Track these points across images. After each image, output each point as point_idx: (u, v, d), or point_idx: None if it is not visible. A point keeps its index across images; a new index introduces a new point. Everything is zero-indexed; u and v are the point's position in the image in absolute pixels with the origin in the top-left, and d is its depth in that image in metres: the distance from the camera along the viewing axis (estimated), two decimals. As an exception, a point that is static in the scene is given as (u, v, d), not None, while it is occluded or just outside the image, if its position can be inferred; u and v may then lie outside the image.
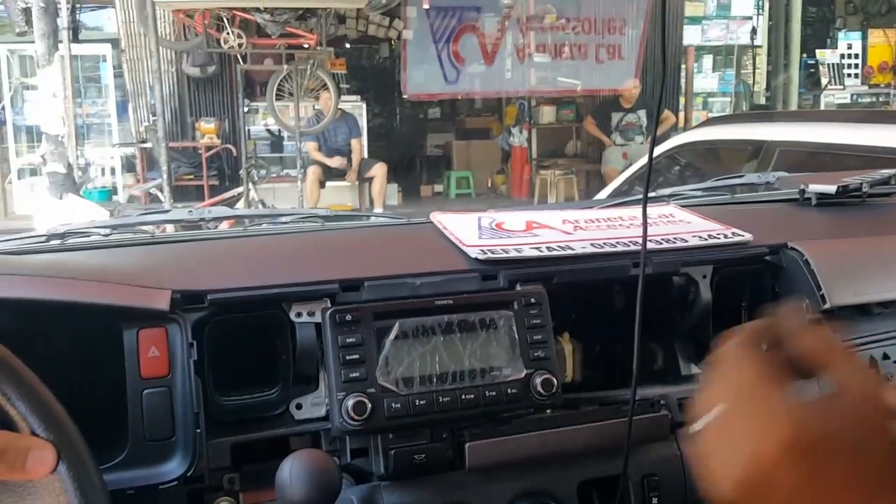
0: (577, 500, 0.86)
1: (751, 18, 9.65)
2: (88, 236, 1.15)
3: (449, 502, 0.83)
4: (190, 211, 1.17)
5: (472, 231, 1.01)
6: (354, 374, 0.76)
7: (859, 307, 1.03)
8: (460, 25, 7.41)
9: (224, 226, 1.27)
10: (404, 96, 7.82)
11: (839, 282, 0.99)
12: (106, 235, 1.15)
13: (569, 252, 0.94)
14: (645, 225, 0.80)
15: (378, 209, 6.74)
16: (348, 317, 0.74)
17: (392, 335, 0.77)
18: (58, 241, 1.12)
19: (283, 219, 1.24)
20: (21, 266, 0.83)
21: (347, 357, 0.76)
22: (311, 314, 0.82)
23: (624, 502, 0.87)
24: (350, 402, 0.74)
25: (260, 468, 0.83)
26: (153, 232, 1.21)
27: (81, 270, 0.83)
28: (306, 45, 6.80)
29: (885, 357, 1.02)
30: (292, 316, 0.85)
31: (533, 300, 0.88)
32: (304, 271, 0.90)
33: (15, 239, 1.17)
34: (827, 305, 0.97)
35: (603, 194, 4.25)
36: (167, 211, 1.20)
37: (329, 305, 0.81)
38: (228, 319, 0.86)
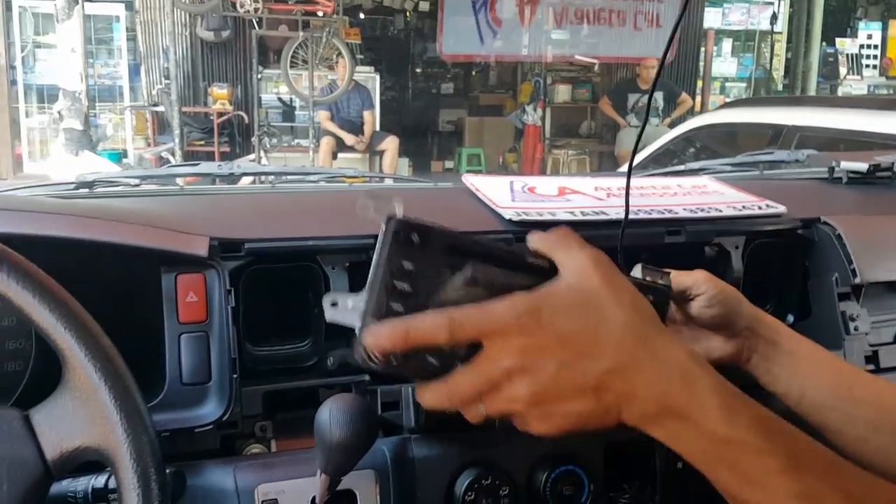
0: (603, 462, 0.87)
1: (772, 4, 9.52)
2: (117, 185, 1.15)
3: (475, 459, 0.84)
4: (220, 165, 1.17)
5: (504, 194, 1.01)
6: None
7: (889, 284, 1.02)
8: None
9: (252, 182, 1.27)
10: (440, 57, 7.74)
11: (871, 258, 0.99)
12: (135, 185, 1.15)
13: (602, 217, 0.94)
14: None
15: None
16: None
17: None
18: (86, 189, 1.12)
19: (311, 177, 1.24)
20: (59, 207, 0.83)
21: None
22: None
23: (651, 465, 0.87)
24: None
25: (290, 417, 0.84)
26: (181, 185, 1.21)
27: (118, 214, 0.83)
28: (322, 13, 6.75)
29: (913, 335, 1.02)
30: (327, 269, 0.86)
31: None
32: (338, 226, 0.90)
33: (44, 185, 1.17)
34: (858, 280, 0.97)
35: (617, 174, 4.22)
36: (196, 164, 1.20)
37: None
38: (263, 270, 0.86)
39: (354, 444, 0.64)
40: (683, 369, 0.50)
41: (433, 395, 0.54)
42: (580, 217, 0.94)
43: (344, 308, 0.56)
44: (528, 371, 0.50)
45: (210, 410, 0.77)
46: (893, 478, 0.67)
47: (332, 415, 0.63)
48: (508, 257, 0.55)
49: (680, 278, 0.75)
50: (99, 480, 0.67)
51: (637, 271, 0.65)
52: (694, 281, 0.75)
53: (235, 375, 0.78)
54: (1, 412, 0.58)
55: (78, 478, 0.68)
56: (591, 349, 0.50)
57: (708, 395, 0.49)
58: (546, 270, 0.55)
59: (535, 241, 0.57)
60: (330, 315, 0.57)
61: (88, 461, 0.59)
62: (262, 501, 0.71)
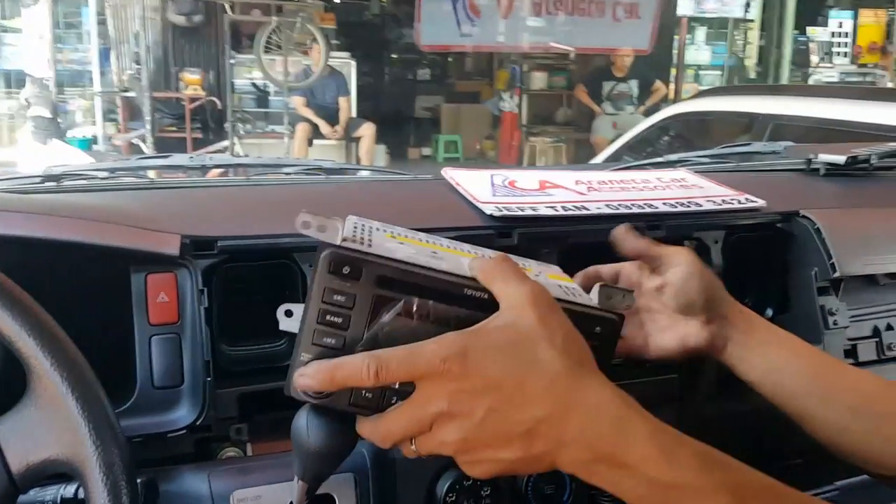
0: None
1: (746, -9, 9.55)
2: (86, 179, 1.11)
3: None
4: (191, 157, 1.14)
5: (485, 188, 0.99)
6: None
7: (867, 277, 1.03)
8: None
9: (225, 174, 1.24)
10: (418, 47, 7.65)
11: (850, 251, 0.99)
12: (104, 179, 1.11)
13: (584, 212, 0.93)
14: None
15: (365, 169, 6.67)
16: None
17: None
18: (53, 183, 1.08)
19: (287, 169, 1.22)
20: (23, 204, 0.80)
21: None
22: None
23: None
24: None
25: (266, 419, 0.82)
26: (152, 177, 1.18)
27: (86, 211, 0.80)
28: (297, -2, 6.66)
29: (889, 328, 1.03)
30: (303, 266, 0.84)
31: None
32: (314, 221, 0.88)
33: (9, 178, 1.13)
34: (837, 274, 0.97)
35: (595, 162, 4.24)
36: (167, 156, 1.16)
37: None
38: (237, 268, 0.84)
39: (333, 452, 0.62)
40: (615, 416, 0.48)
41: (368, 432, 0.54)
42: (561, 212, 0.92)
43: (297, 318, 0.55)
44: (457, 416, 0.48)
45: (183, 414, 0.75)
46: (875, 464, 0.67)
47: (309, 421, 0.61)
48: (446, 288, 0.53)
49: (665, 249, 0.74)
50: (68, 490, 0.65)
51: (594, 293, 0.60)
52: (684, 256, 0.74)
53: (209, 378, 0.76)
54: None
55: (46, 487, 0.65)
56: (520, 396, 0.48)
57: (643, 440, 0.48)
58: (485, 302, 0.53)
59: (474, 269, 0.54)
60: (283, 325, 0.56)
61: (57, 472, 0.56)
62: (238, 507, 0.69)
